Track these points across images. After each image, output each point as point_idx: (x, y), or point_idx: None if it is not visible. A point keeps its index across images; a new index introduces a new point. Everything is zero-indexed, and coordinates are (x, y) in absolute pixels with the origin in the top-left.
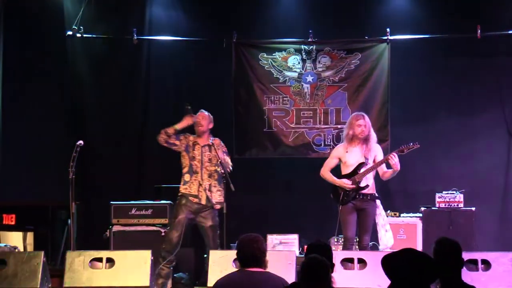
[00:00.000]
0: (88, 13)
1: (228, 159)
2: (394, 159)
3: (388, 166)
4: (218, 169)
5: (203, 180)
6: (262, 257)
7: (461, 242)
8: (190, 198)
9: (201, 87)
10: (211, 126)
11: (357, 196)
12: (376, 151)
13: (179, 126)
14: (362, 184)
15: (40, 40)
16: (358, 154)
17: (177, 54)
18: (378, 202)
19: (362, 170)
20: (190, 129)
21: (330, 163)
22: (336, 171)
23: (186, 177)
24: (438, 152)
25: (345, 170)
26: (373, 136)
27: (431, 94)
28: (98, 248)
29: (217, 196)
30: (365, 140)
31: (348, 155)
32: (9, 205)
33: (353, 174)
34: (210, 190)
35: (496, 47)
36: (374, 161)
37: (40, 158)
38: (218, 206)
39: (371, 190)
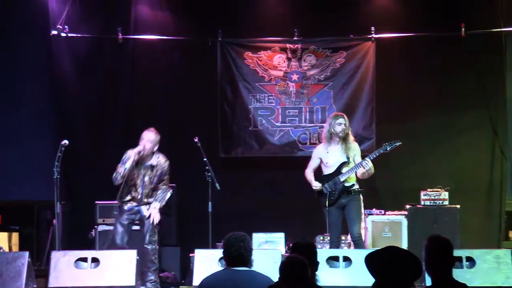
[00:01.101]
0: (73, 12)
1: (164, 187)
2: (368, 165)
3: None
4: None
5: (142, 198)
6: (248, 256)
7: None
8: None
9: (187, 86)
10: (156, 148)
11: (343, 194)
12: (355, 150)
13: (129, 164)
14: (347, 184)
15: (25, 39)
16: (339, 154)
17: (162, 53)
18: (361, 196)
19: (344, 169)
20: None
21: (313, 164)
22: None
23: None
24: (423, 149)
25: (326, 170)
26: (351, 135)
27: (416, 92)
28: (83, 248)
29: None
30: (344, 139)
31: (329, 156)
32: None
33: (336, 174)
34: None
35: (480, 45)
36: (353, 159)
37: (25, 158)
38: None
39: (355, 185)
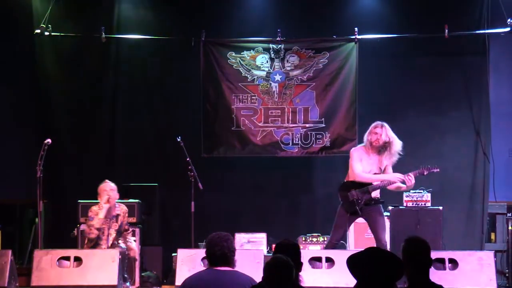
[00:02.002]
0: (56, 11)
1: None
2: (412, 181)
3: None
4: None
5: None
6: (231, 256)
7: (429, 241)
8: None
9: (169, 86)
10: (118, 196)
11: (368, 204)
12: (388, 162)
13: (103, 215)
14: (374, 195)
15: (8, 38)
16: (374, 163)
17: (145, 52)
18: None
19: (375, 182)
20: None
21: (360, 165)
22: (342, 171)
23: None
24: (405, 151)
25: (355, 175)
26: (394, 147)
27: (399, 94)
28: (65, 246)
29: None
30: (382, 148)
31: (366, 161)
32: None
33: (367, 183)
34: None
35: (463, 46)
36: (384, 171)
37: (7, 157)
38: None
39: (376, 196)
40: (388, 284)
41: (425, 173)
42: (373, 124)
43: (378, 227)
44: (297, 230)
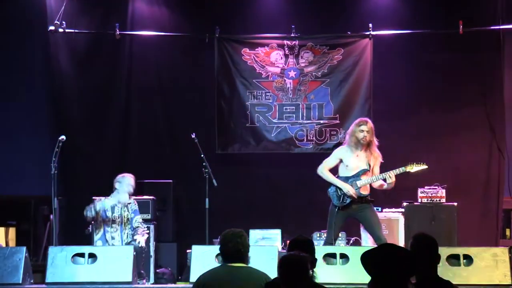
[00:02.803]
0: (70, 8)
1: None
2: (392, 179)
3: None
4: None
5: (123, 238)
6: (245, 252)
7: (443, 237)
8: None
9: (184, 82)
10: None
11: (355, 200)
12: (376, 159)
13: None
14: (363, 192)
15: (22, 35)
16: (361, 159)
17: (159, 49)
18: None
19: (364, 176)
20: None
21: (330, 162)
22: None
23: (98, 243)
24: (420, 147)
25: (345, 173)
26: (375, 143)
27: (413, 90)
28: (80, 243)
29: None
30: (368, 145)
31: (352, 159)
32: None
33: (354, 179)
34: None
35: (478, 42)
36: (372, 168)
37: (22, 153)
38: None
39: (368, 195)
40: (402, 280)
41: (413, 170)
42: (355, 124)
43: (373, 225)
44: (312, 226)
